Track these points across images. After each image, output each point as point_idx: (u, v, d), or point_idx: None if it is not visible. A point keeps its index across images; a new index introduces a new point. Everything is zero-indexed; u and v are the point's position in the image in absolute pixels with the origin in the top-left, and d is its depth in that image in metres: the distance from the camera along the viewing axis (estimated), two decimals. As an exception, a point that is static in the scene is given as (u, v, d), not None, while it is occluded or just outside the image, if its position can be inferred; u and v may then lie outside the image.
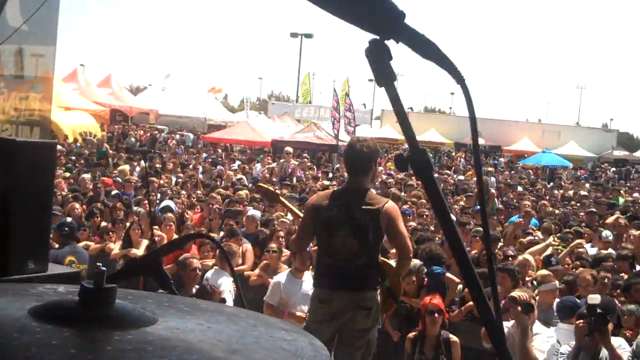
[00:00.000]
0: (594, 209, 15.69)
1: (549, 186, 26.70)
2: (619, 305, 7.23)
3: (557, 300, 7.52)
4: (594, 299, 5.86)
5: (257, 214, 11.64)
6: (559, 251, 9.97)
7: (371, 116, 69.93)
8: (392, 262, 6.27)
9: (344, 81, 46.17)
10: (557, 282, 7.98)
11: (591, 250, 10.90)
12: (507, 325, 6.18)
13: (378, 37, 1.22)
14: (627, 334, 6.76)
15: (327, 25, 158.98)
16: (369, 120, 67.14)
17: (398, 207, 6.51)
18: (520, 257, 9.02)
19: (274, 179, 19.95)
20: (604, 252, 10.48)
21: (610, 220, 13.49)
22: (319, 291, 5.82)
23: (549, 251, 9.65)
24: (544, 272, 8.36)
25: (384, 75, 1.23)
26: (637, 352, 6.10)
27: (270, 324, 1.48)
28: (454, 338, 7.03)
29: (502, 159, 47.09)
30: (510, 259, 8.96)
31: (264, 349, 1.29)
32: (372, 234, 5.60)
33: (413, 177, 17.00)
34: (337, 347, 5.73)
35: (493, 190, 17.93)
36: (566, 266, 9.27)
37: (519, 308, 5.98)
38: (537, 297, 7.38)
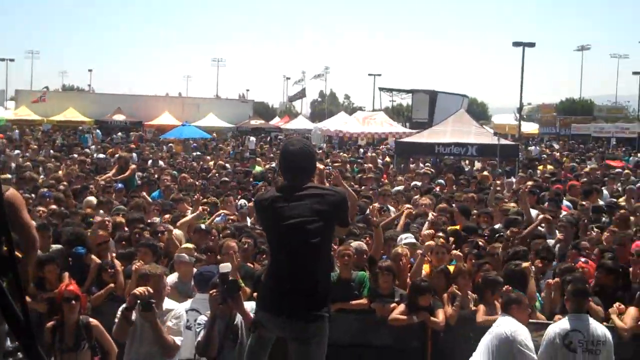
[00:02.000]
0: (226, 179, 16.74)
1: (190, 158, 27.27)
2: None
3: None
4: (225, 267, 6.02)
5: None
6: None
7: (5, 97, 65.61)
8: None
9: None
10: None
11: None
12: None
13: None
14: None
15: None
16: (3, 101, 62.90)
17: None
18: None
19: None
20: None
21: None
22: None
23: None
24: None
25: None
26: None
27: None
28: (93, 321, 6.84)
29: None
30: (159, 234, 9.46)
31: None
32: None
33: None
34: None
35: (134, 166, 17.92)
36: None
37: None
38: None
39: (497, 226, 10.94)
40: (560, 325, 6.59)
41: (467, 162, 24.71)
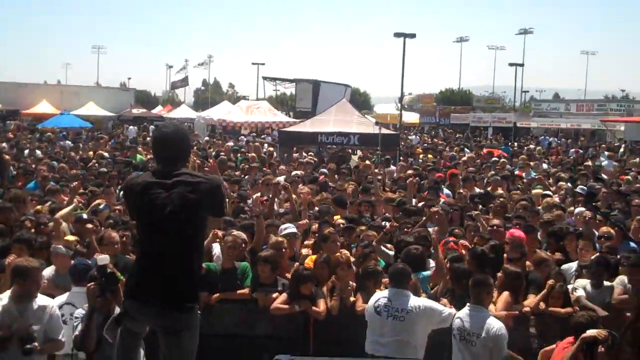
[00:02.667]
0: (104, 169, 16.59)
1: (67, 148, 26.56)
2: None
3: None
4: (103, 259, 5.88)
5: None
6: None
7: None
8: None
9: None
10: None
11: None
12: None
13: None
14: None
15: None
16: None
17: None
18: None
19: None
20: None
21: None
22: None
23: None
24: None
25: None
26: None
27: None
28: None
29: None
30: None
31: None
32: None
33: None
34: None
35: (7, 157, 17.29)
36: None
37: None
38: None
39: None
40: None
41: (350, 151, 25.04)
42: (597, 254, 8.79)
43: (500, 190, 14.57)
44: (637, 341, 1.20)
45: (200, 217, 5.00)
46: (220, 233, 8.77)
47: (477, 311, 6.67)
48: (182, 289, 4.90)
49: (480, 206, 12.54)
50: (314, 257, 8.58)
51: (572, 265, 8.95)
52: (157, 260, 4.89)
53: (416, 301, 6.88)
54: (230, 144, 29.68)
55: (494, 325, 6.50)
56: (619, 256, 8.76)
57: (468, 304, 6.77)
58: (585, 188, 14.93)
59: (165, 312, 4.87)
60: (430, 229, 10.19)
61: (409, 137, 42.28)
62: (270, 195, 11.42)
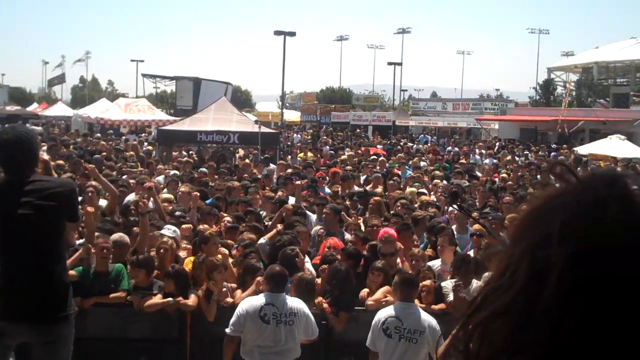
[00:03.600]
0: None
1: None
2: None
3: None
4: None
5: None
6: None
7: None
8: None
9: None
10: None
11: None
12: None
13: None
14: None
15: None
16: None
17: None
18: None
19: None
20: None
21: None
22: None
23: None
24: None
25: None
26: None
27: None
28: None
29: None
30: None
31: None
32: None
33: None
34: None
35: None
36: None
37: None
38: None
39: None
40: (385, 311, 6.84)
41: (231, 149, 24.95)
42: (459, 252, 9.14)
43: (379, 189, 14.90)
44: (466, 345, 1.21)
45: (61, 224, 4.86)
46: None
47: (411, 309, 6.78)
48: (52, 302, 4.77)
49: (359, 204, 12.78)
50: (192, 258, 8.51)
51: (436, 263, 9.21)
52: (22, 276, 4.71)
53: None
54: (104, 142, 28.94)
55: (432, 321, 6.69)
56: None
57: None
58: (462, 185, 15.49)
59: (39, 328, 4.72)
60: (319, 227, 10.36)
61: (294, 135, 42.45)
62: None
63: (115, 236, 8.49)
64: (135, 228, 9.08)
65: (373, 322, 6.84)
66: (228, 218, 10.63)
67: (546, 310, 1.11)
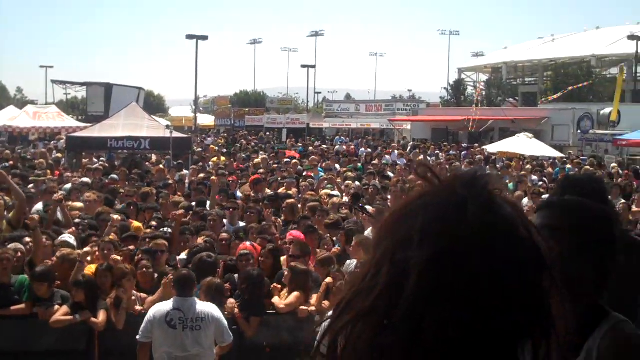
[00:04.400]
0: None
1: None
2: None
3: None
4: None
5: None
6: None
7: None
8: None
9: None
10: None
11: None
12: None
13: None
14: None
15: None
16: None
17: None
18: None
19: None
20: None
21: None
22: None
23: None
24: None
25: None
26: None
27: None
28: None
29: None
30: None
31: None
32: None
33: None
34: None
35: None
36: None
37: None
38: None
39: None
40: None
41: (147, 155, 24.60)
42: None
43: (293, 190, 14.96)
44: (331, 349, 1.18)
45: None
46: None
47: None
48: None
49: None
50: (93, 266, 8.34)
51: (352, 262, 9.30)
52: None
53: (206, 307, 6.85)
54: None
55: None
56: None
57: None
58: (377, 185, 15.65)
59: None
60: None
61: (207, 140, 42.03)
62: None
63: (12, 245, 8.26)
64: (27, 239, 8.82)
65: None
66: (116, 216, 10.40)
67: (406, 313, 1.11)
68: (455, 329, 1.10)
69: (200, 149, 27.43)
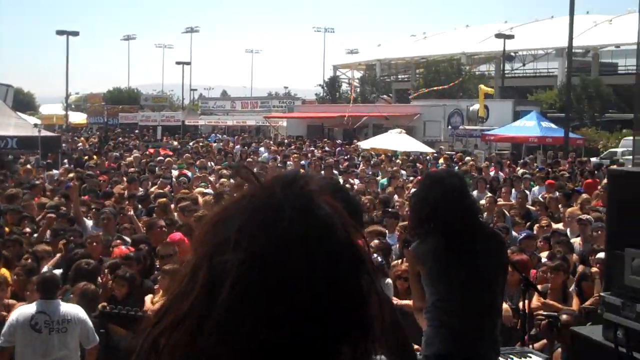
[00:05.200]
0: None
1: None
2: None
3: None
4: None
5: None
6: None
7: None
8: None
9: None
10: None
11: None
12: None
13: None
14: None
15: None
16: None
17: None
18: None
19: None
20: None
21: None
22: None
23: None
24: None
25: None
26: None
27: None
28: None
29: None
30: None
31: None
32: None
33: None
34: None
35: None
36: None
37: None
38: None
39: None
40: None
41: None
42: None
43: (167, 189, 14.85)
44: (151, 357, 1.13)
45: None
46: None
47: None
48: None
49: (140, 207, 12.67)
50: None
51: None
52: None
53: (71, 308, 6.74)
54: None
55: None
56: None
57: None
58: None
59: None
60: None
61: (80, 138, 40.86)
62: None
63: None
64: None
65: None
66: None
67: (220, 319, 1.10)
68: (270, 333, 1.09)
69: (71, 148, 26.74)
